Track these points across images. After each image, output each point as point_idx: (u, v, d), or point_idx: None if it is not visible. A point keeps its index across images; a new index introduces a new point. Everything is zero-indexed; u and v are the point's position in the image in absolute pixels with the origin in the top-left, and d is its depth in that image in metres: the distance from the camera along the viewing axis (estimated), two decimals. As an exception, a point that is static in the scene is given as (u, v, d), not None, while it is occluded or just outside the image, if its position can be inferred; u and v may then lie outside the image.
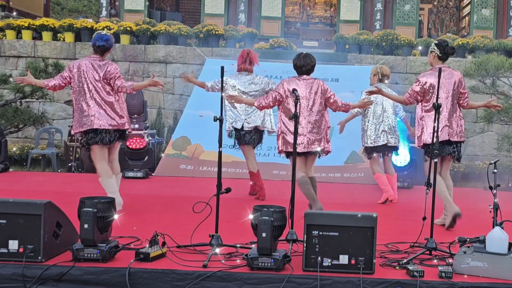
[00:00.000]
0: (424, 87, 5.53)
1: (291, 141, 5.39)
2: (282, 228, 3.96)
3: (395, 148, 7.22)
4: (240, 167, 9.47)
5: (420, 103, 5.64)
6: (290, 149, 5.68)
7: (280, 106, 5.89)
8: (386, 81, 7.24)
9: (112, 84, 5.77)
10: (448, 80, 5.56)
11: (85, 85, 5.74)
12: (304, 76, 5.86)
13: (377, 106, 7.09)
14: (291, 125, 5.60)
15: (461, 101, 5.70)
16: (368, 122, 7.12)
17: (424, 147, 5.58)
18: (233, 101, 6.54)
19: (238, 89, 6.94)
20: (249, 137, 7.00)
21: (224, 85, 6.69)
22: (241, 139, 7.03)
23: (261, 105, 5.92)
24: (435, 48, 5.62)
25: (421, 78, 5.61)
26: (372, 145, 7.07)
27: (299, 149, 5.62)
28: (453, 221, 5.51)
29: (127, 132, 6.00)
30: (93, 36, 5.95)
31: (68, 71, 5.84)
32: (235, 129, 6.97)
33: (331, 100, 5.85)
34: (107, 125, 5.73)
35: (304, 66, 5.84)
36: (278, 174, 9.21)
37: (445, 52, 5.60)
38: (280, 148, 5.91)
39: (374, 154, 7.16)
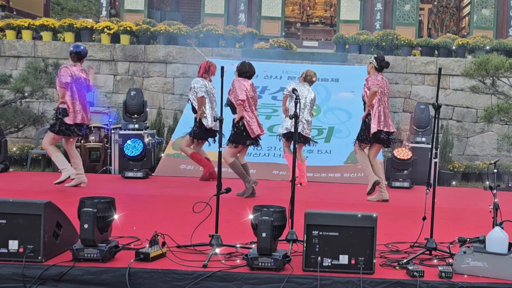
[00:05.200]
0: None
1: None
2: (282, 228, 3.96)
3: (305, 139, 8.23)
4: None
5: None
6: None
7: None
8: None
9: None
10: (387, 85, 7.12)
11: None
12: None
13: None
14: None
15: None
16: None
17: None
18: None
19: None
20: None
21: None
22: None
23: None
24: (373, 60, 7.02)
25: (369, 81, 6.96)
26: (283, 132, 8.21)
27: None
28: (372, 188, 7.01)
29: None
30: None
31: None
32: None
33: None
34: None
35: (248, 72, 7.03)
36: (278, 174, 9.22)
37: (381, 65, 7.00)
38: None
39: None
